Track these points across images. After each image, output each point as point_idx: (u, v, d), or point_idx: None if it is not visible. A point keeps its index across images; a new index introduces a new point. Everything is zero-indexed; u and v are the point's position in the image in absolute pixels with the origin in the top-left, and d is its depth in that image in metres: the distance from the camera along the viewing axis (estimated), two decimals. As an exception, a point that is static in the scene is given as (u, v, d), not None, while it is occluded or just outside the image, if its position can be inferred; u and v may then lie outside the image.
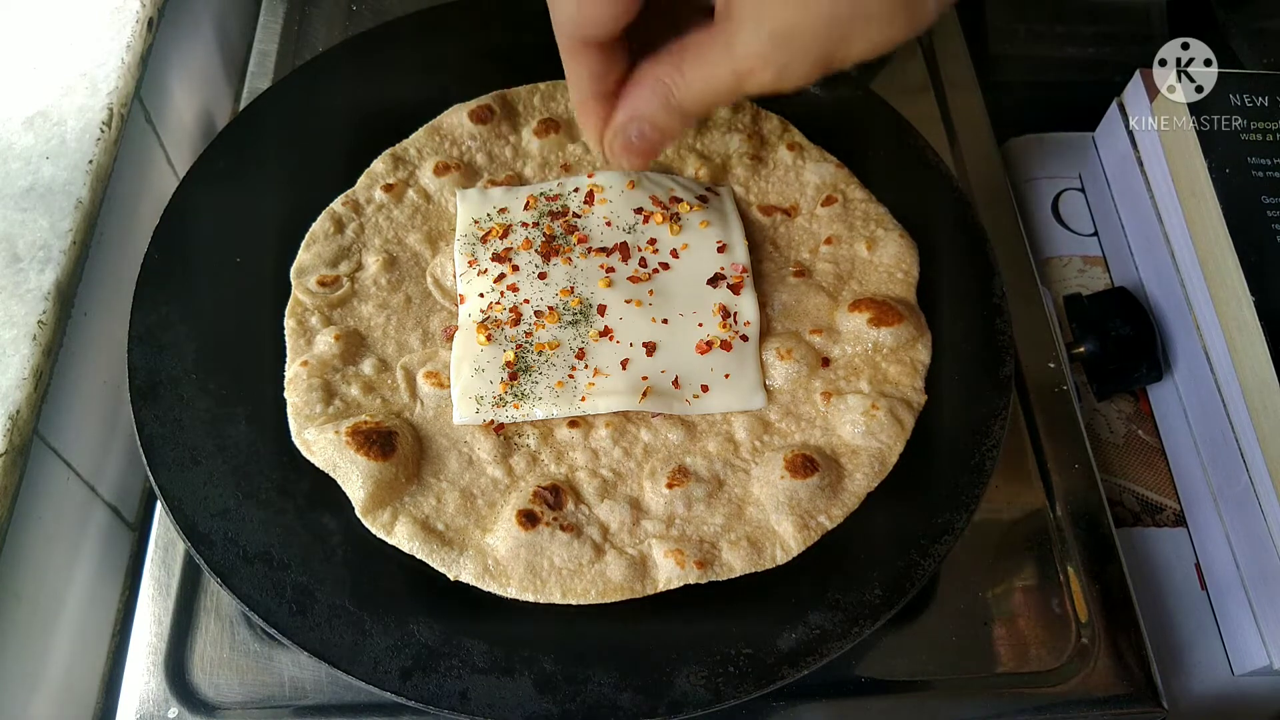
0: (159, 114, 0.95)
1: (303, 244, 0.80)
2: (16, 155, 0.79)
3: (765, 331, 0.79)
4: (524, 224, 0.81)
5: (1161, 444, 0.97)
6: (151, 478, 0.69)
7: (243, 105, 1.01)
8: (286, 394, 0.73)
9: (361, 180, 0.84)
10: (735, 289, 0.79)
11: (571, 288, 0.78)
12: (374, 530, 0.69)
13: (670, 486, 0.71)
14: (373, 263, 0.80)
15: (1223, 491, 0.89)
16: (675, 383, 0.75)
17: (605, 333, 0.76)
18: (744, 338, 0.77)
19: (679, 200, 0.82)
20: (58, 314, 0.74)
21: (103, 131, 0.81)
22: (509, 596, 0.67)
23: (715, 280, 0.79)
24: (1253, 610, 0.85)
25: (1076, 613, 0.81)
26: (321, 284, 0.78)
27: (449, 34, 0.94)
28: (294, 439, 0.72)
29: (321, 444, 0.71)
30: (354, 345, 0.76)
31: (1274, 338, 0.83)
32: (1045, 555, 0.83)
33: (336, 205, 0.82)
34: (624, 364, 0.74)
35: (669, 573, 0.68)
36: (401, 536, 0.68)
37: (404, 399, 0.75)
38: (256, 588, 0.66)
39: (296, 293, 0.78)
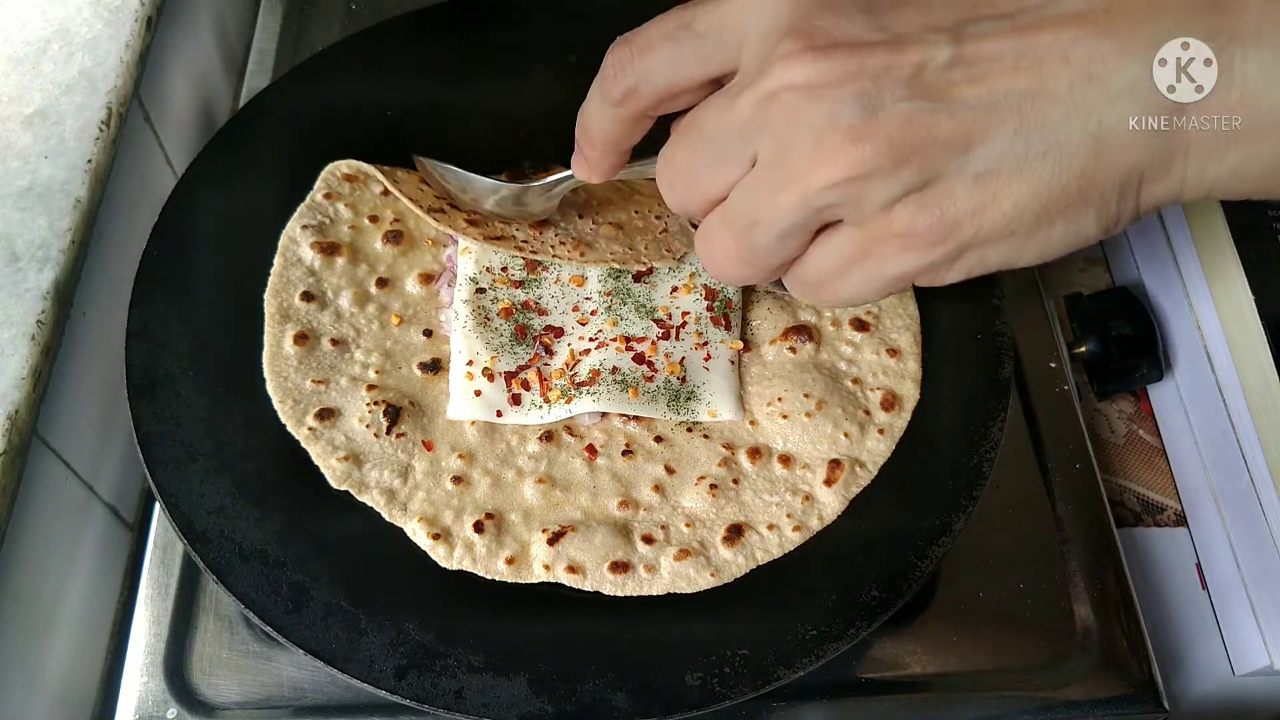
0: (158, 113, 0.95)
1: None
2: (15, 154, 0.79)
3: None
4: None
5: (1162, 444, 0.97)
6: (148, 475, 0.69)
7: (241, 104, 1.01)
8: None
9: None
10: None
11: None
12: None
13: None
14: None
15: (1224, 491, 0.89)
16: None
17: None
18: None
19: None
20: (56, 313, 0.73)
21: (101, 130, 0.81)
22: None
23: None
24: (1254, 610, 0.84)
25: (1076, 613, 0.80)
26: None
27: (448, 33, 0.94)
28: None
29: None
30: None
31: (1275, 337, 0.83)
32: (1045, 555, 0.83)
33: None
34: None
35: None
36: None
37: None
38: (252, 585, 0.66)
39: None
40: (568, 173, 0.70)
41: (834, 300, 0.53)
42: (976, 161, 0.45)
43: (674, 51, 0.51)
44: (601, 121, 0.56)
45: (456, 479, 0.71)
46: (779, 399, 0.75)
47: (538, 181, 0.76)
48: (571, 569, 0.68)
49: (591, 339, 0.76)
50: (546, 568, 0.68)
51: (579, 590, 0.68)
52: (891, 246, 0.48)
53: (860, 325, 0.79)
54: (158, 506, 0.75)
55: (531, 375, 0.74)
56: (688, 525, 0.71)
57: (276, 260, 0.78)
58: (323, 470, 0.70)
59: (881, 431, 0.75)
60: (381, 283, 0.78)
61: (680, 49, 0.51)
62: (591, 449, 0.73)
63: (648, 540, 0.69)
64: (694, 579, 0.68)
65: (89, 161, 0.79)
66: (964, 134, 0.45)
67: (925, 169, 0.45)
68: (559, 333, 0.77)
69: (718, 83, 0.51)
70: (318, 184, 0.82)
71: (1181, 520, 0.93)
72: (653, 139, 0.60)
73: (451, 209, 0.79)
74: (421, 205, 0.77)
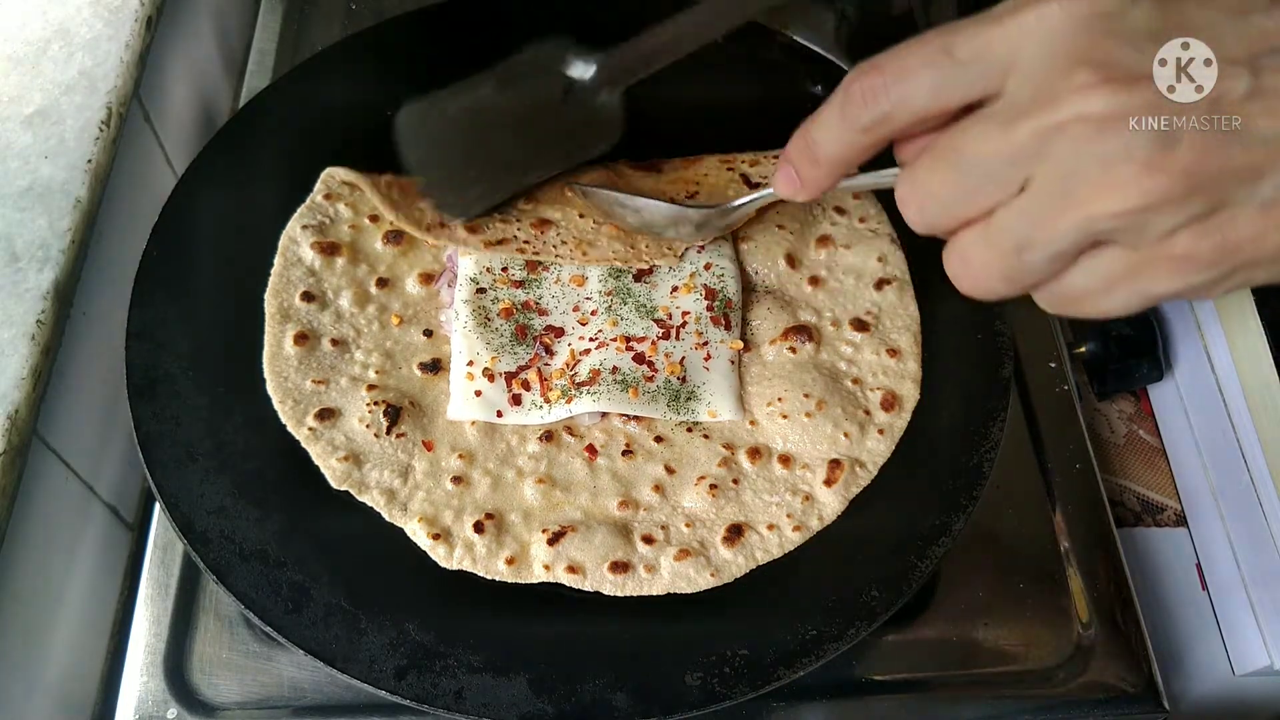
0: (158, 113, 0.95)
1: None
2: (15, 154, 0.79)
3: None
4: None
5: (1162, 444, 0.97)
6: (148, 475, 0.69)
7: (241, 104, 1.01)
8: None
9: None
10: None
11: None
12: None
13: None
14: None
15: (1224, 491, 0.89)
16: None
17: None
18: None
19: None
20: (56, 313, 0.74)
21: (101, 130, 0.81)
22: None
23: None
24: (1254, 610, 0.84)
25: (1076, 613, 0.80)
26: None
27: (448, 33, 0.94)
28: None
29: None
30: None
31: (1275, 337, 0.83)
32: (1045, 555, 0.83)
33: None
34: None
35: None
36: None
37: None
38: (252, 585, 0.66)
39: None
40: (766, 191, 0.69)
41: (1089, 313, 0.53)
42: (1265, 190, 0.46)
43: (935, 77, 0.50)
44: (837, 145, 0.55)
45: (456, 479, 0.71)
46: (779, 399, 0.75)
47: (728, 204, 0.74)
48: (571, 569, 0.68)
49: (592, 339, 0.76)
50: (546, 568, 0.68)
51: (579, 590, 0.68)
52: (1164, 269, 0.48)
53: (860, 325, 0.79)
54: (158, 506, 0.75)
55: (532, 375, 0.74)
56: (688, 525, 0.71)
57: (277, 260, 0.78)
58: (323, 470, 0.70)
59: (881, 431, 0.75)
60: (382, 283, 0.78)
61: (942, 75, 0.50)
62: (591, 449, 0.73)
63: (648, 540, 0.69)
64: (694, 579, 0.68)
65: (89, 161, 0.79)
66: (1256, 164, 0.45)
67: (1214, 198, 0.46)
68: (559, 333, 0.77)
69: (964, 109, 0.51)
70: (318, 185, 0.82)
71: (1181, 520, 0.93)
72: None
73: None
74: (420, 226, 0.77)
